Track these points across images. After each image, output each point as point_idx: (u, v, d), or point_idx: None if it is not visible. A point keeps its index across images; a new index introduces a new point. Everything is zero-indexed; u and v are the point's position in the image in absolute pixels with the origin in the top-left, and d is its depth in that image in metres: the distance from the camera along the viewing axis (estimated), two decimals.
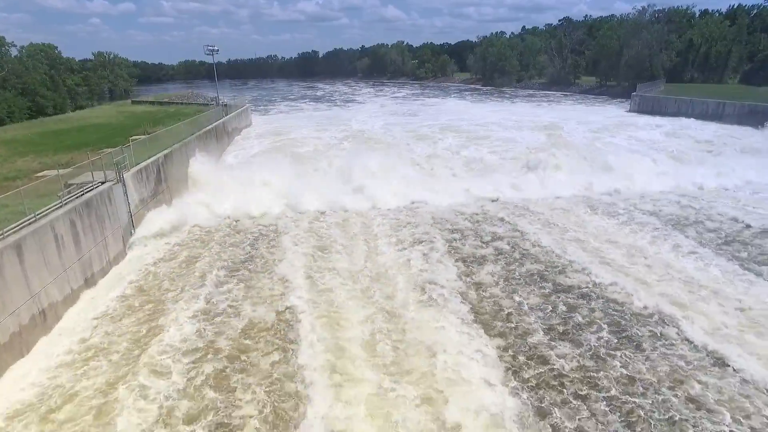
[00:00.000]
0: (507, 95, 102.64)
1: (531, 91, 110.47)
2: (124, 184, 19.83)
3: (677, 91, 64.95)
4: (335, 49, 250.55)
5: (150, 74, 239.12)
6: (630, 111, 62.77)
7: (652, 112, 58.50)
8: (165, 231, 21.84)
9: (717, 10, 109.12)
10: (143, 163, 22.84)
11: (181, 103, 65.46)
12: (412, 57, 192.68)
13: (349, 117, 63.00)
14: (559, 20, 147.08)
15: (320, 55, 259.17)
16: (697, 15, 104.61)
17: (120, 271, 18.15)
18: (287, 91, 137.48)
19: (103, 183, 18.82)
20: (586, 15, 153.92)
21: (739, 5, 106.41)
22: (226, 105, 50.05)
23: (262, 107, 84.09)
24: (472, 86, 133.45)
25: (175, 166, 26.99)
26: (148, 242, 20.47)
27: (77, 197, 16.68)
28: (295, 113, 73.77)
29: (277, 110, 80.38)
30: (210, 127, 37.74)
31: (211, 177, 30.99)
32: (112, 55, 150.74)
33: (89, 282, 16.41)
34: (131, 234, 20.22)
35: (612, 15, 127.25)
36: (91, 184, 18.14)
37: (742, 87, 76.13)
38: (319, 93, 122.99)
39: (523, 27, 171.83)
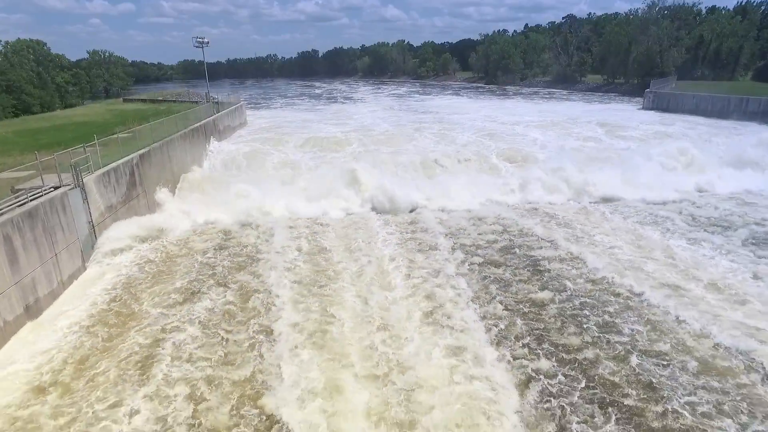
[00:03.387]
0: (520, 94, 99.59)
1: (536, 89, 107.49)
2: (83, 190, 16.88)
3: (690, 87, 62.01)
4: (335, 48, 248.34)
5: (149, 74, 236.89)
6: (643, 108, 59.82)
7: (667, 109, 55.50)
8: (135, 243, 18.96)
9: (724, 7, 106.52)
10: (112, 164, 19.90)
11: (174, 101, 62.68)
12: (413, 56, 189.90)
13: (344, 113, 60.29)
14: (563, 17, 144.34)
15: (320, 55, 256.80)
16: (704, 12, 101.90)
17: (74, 293, 15.18)
18: (285, 89, 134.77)
19: (56, 188, 15.89)
20: (590, 13, 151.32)
21: (748, 1, 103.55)
22: (217, 102, 47.06)
23: (262, 105, 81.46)
24: (475, 85, 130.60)
25: (154, 167, 24.05)
26: (112, 257, 17.50)
27: (17, 206, 13.72)
28: (293, 112, 71.04)
29: (274, 108, 77.64)
30: (198, 124, 34.76)
31: (200, 179, 28.34)
32: (107, 54, 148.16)
33: (31, 310, 13.45)
34: (92, 248, 17.26)
35: (617, 13, 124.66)
36: (39, 190, 15.18)
37: (756, 84, 73.17)
38: (317, 91, 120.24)
39: (526, 25, 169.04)
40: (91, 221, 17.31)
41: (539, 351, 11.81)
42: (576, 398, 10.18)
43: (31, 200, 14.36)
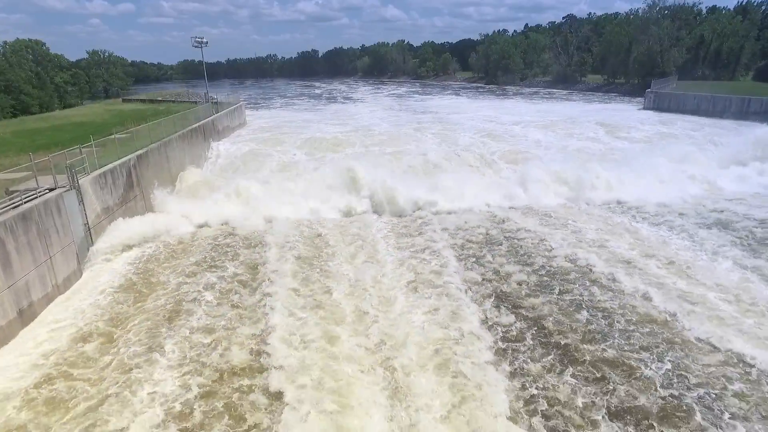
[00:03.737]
0: (521, 94, 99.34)
1: (536, 89, 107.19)
2: (79, 191, 16.65)
3: (691, 87, 61.76)
4: (335, 48, 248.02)
5: (149, 74, 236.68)
6: (644, 108, 59.57)
7: (668, 109, 55.24)
8: (133, 244, 18.73)
9: (725, 7, 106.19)
10: (109, 166, 19.68)
11: (173, 101, 62.46)
12: (413, 56, 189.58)
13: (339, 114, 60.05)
14: (563, 17, 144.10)
15: (320, 55, 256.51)
16: (704, 11, 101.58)
17: (70, 296, 14.95)
18: (285, 89, 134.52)
19: (51, 190, 15.67)
20: (590, 13, 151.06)
21: (749, 1, 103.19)
22: (216, 102, 46.83)
23: (262, 105, 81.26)
24: (475, 85, 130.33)
25: (151, 168, 23.84)
26: (109, 259, 17.29)
27: (10, 208, 13.50)
28: (292, 112, 70.84)
29: (274, 108, 77.41)
30: (196, 125, 34.54)
31: (199, 180, 28.13)
32: (107, 54, 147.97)
33: (25, 315, 13.23)
34: (88, 250, 17.03)
35: (617, 13, 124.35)
36: (34, 192, 14.96)
37: (757, 84, 72.93)
38: (317, 91, 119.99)
39: (526, 25, 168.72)
40: (87, 223, 17.09)
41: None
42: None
43: (25, 202, 14.13)
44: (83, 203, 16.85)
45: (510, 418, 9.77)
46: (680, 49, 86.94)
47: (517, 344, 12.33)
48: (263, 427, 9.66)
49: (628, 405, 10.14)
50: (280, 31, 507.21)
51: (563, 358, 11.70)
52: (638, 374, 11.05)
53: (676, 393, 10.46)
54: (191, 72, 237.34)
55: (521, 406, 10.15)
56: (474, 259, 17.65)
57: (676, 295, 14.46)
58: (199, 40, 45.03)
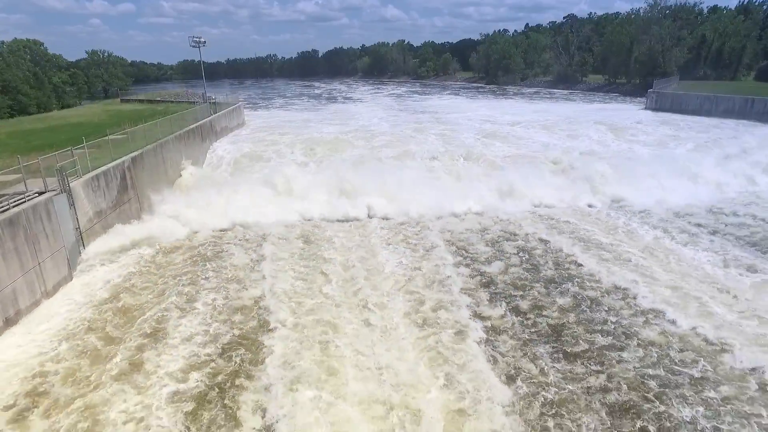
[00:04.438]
0: (521, 94, 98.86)
1: (537, 89, 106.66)
2: (70, 194, 16.22)
3: (692, 87, 61.28)
4: (335, 48, 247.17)
5: (149, 74, 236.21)
6: (646, 108, 59.09)
7: (670, 109, 54.71)
8: (127, 249, 18.30)
9: (726, 7, 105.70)
10: (102, 168, 19.25)
11: (172, 101, 62.04)
12: (414, 56, 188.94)
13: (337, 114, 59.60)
14: (564, 17, 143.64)
15: (320, 55, 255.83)
16: (705, 11, 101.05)
17: (59, 303, 14.51)
18: (284, 89, 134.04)
19: (41, 193, 15.24)
20: (591, 12, 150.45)
21: (750, 0, 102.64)
22: (215, 102, 46.36)
23: (261, 105, 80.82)
24: (475, 85, 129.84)
25: (147, 170, 23.39)
26: (101, 264, 16.84)
27: None
28: (292, 112, 70.42)
29: (274, 108, 76.98)
30: (194, 125, 34.08)
31: (196, 182, 27.63)
32: (106, 54, 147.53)
33: (11, 323, 12.79)
34: (79, 255, 16.59)
35: (617, 12, 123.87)
36: (22, 196, 14.52)
37: (760, 84, 72.45)
38: (316, 91, 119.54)
39: (527, 25, 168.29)
40: (79, 228, 16.66)
41: None
42: None
43: (12, 207, 13.70)
44: (74, 207, 16.42)
45: None
46: (681, 48, 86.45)
47: None
48: None
49: None
50: (280, 31, 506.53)
51: None
52: None
53: None
54: (191, 72, 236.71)
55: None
56: None
57: None
58: (197, 39, 44.53)
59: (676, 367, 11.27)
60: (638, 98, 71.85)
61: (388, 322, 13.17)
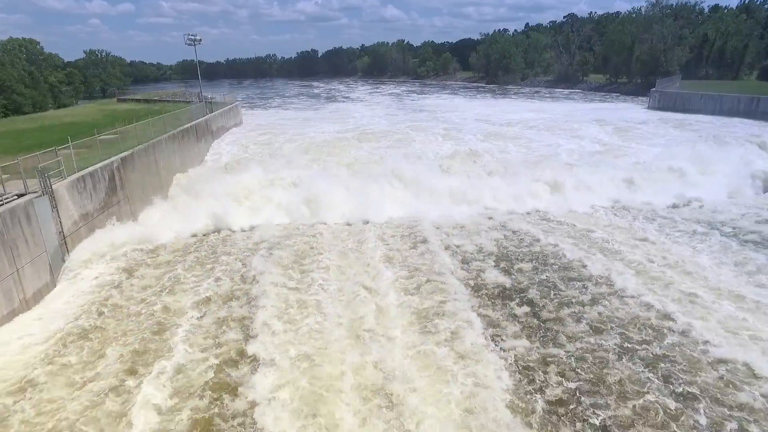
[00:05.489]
0: (522, 93, 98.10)
1: (537, 89, 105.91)
2: (53, 197, 15.42)
3: (694, 87, 60.57)
4: (335, 48, 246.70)
5: (147, 74, 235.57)
6: (649, 108, 58.40)
7: (674, 108, 54.03)
8: (114, 253, 17.50)
9: (727, 6, 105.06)
10: (89, 168, 18.44)
11: (169, 101, 61.38)
12: (413, 56, 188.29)
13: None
14: (564, 17, 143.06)
15: (319, 55, 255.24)
16: (706, 11, 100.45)
17: (40, 311, 13.72)
18: (283, 89, 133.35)
19: (21, 196, 14.44)
20: (591, 12, 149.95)
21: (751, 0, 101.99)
22: (211, 101, 45.62)
23: (259, 104, 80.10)
24: (475, 84, 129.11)
25: (137, 171, 22.59)
26: (86, 270, 16.03)
27: None
28: (290, 111, 69.69)
29: (272, 107, 76.27)
30: (189, 125, 33.29)
31: (188, 184, 26.79)
32: (104, 54, 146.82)
33: None
34: (63, 261, 15.80)
35: (618, 12, 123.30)
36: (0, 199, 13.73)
37: (762, 83, 71.76)
38: (316, 91, 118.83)
39: (527, 24, 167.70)
40: (62, 231, 15.85)
41: None
42: None
43: None
44: (57, 210, 15.62)
45: None
46: (683, 48, 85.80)
47: None
48: None
49: None
50: (280, 31, 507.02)
51: None
52: None
53: None
54: (190, 72, 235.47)
55: None
56: None
57: None
58: (192, 37, 43.71)
59: None
60: (640, 97, 71.19)
61: None
